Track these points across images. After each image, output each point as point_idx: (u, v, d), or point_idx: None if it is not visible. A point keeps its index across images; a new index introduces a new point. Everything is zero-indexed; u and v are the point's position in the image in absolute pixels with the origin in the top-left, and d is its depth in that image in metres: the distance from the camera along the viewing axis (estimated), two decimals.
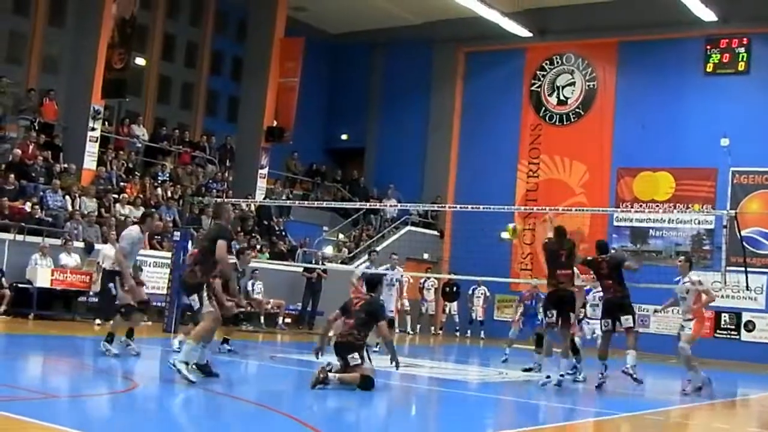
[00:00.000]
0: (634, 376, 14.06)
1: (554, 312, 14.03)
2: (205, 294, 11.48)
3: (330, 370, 11.48)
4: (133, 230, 14.28)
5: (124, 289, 13.61)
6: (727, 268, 17.46)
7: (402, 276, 20.94)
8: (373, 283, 12.54)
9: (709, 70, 28.64)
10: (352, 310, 11.98)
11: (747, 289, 17.09)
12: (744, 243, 19.47)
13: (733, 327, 27.33)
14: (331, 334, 12.58)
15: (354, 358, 11.60)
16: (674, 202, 28.62)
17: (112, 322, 14.14)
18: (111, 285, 14.05)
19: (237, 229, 23.97)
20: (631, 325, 14.22)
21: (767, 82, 27.77)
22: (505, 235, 19.50)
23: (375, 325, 11.98)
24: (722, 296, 25.92)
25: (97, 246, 21.71)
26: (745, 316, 27.10)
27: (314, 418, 9.98)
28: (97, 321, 20.01)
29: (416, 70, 33.86)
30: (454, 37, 32.69)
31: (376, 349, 14.59)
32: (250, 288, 24.63)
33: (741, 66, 28.24)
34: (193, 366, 11.30)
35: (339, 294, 17.02)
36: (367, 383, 11.49)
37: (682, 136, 28.63)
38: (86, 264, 21.11)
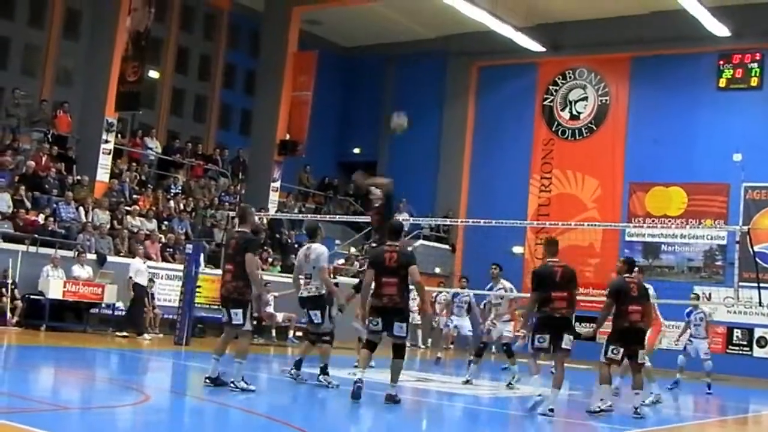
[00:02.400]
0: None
1: (547, 337, 12.19)
2: (249, 311, 11.74)
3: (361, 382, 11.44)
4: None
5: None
6: (740, 283, 17.52)
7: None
8: (397, 230, 12.06)
9: (721, 85, 28.64)
10: (387, 266, 11.52)
11: (760, 305, 17.02)
12: (757, 259, 19.40)
13: (745, 343, 27.23)
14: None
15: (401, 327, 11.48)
16: (686, 217, 28.58)
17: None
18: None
19: (262, 234, 23.80)
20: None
21: None
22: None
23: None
24: (735, 312, 26.00)
25: (109, 258, 21.82)
26: (758, 332, 27.02)
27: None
28: (124, 333, 20.25)
29: (429, 84, 33.90)
30: (467, 51, 32.75)
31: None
32: None
33: (754, 81, 28.22)
34: (207, 380, 11.58)
35: (350, 306, 16.97)
36: (402, 350, 11.74)
37: (694, 152, 28.60)
38: (98, 276, 21.17)
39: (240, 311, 11.64)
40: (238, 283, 11.64)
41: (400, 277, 11.49)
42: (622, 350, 12.56)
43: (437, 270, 31.26)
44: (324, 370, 13.31)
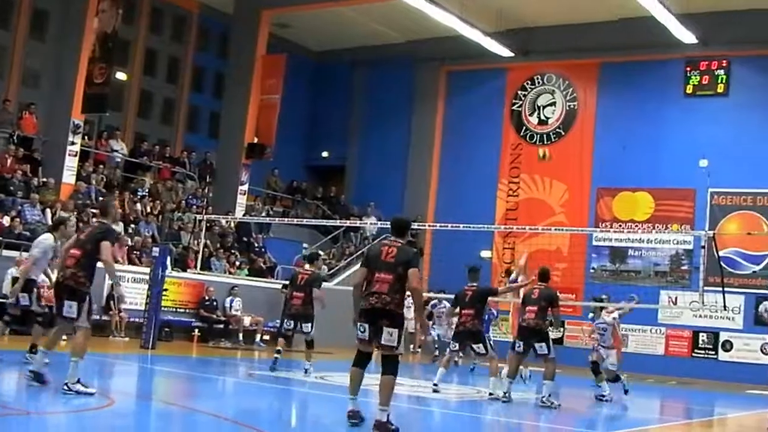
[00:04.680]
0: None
1: (521, 343, 14.78)
2: (85, 305, 10.70)
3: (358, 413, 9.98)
4: (47, 238, 13.96)
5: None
6: (705, 288, 17.60)
7: None
8: (403, 227, 10.57)
9: (689, 91, 28.80)
10: (383, 260, 9.99)
11: (724, 309, 17.18)
12: (721, 263, 19.59)
13: (710, 347, 27.40)
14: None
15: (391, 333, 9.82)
16: (653, 222, 28.74)
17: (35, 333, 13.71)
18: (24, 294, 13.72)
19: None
20: (546, 352, 14.57)
21: (746, 104, 27.95)
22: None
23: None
24: (700, 316, 26.18)
25: None
26: (723, 336, 27.17)
27: None
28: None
29: (398, 89, 33.89)
30: (437, 56, 32.76)
31: None
32: (228, 305, 24.62)
33: (720, 88, 28.41)
34: (30, 373, 10.85)
35: (318, 312, 16.96)
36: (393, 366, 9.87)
37: (661, 157, 28.76)
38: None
39: (75, 303, 10.59)
40: (78, 272, 10.72)
41: (396, 276, 9.82)
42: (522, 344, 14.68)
43: None
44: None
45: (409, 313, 28.92)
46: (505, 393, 14.21)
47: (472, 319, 15.05)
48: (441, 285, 23.94)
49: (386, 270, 9.86)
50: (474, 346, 15.17)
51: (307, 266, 17.49)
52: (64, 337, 17.11)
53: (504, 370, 14.83)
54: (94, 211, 23.46)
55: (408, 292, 10.02)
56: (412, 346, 29.55)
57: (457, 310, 15.42)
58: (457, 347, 15.71)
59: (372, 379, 10.17)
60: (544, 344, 14.51)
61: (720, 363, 26.96)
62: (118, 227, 23.72)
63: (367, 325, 9.88)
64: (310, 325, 16.59)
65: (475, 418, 13.36)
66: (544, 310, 14.56)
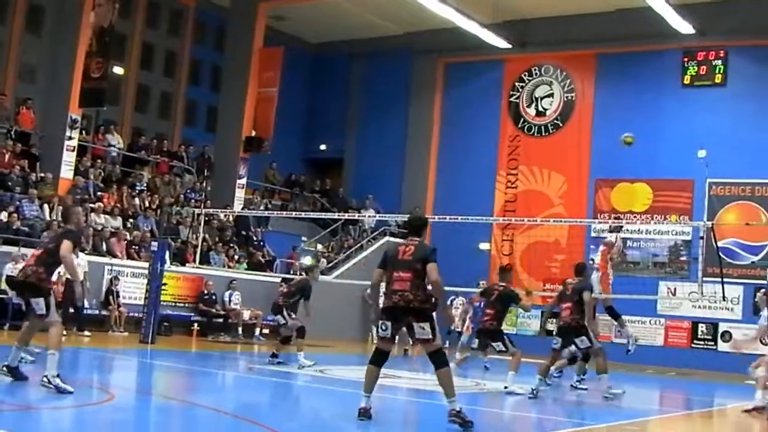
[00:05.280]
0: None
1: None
2: (51, 299, 10.76)
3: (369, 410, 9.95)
4: None
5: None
6: (704, 278, 17.60)
7: None
8: (419, 225, 10.65)
9: (686, 82, 28.81)
10: (400, 259, 10.05)
11: (723, 300, 17.20)
12: (720, 254, 19.57)
13: (710, 337, 27.44)
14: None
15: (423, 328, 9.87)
16: (652, 213, 28.74)
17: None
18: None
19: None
20: (589, 345, 14.45)
21: (744, 94, 27.96)
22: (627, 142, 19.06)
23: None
24: (699, 306, 26.21)
25: (73, 256, 21.53)
26: (722, 327, 27.21)
27: (293, 431, 9.94)
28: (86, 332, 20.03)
29: (396, 81, 33.87)
30: (434, 47, 32.73)
31: None
32: (227, 298, 24.62)
33: (718, 78, 28.41)
34: (4, 368, 10.83)
35: (318, 305, 16.98)
36: (441, 357, 9.94)
37: (659, 148, 28.73)
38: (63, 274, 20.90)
39: (41, 300, 10.69)
40: (39, 269, 10.81)
41: (415, 272, 9.88)
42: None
43: None
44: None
45: None
46: (533, 389, 13.92)
47: (491, 319, 15.02)
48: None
49: (405, 268, 9.94)
50: (493, 344, 15.07)
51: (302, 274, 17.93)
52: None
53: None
54: (92, 206, 23.50)
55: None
56: (410, 338, 29.47)
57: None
58: (476, 345, 15.70)
59: (386, 377, 10.15)
60: (584, 338, 14.31)
61: (719, 354, 26.96)
62: (117, 222, 23.83)
63: (389, 323, 10.00)
64: (281, 317, 17.18)
65: (471, 410, 13.36)
66: (579, 305, 14.31)
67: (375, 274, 10.38)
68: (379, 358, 10.18)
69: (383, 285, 10.22)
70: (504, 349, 14.96)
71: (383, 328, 10.03)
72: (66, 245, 10.71)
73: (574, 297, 14.40)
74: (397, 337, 10.25)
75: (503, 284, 15.37)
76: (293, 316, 17.02)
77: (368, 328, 22.49)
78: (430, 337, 9.83)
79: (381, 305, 10.23)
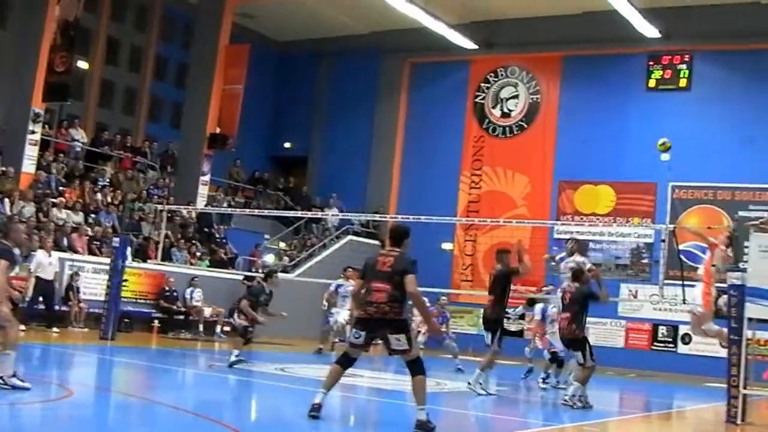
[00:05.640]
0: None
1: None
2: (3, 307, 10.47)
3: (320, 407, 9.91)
4: None
5: None
6: (665, 281, 17.72)
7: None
8: (400, 235, 10.37)
9: (651, 85, 29.04)
10: (378, 270, 9.96)
11: (684, 303, 17.29)
12: (681, 257, 19.69)
13: (670, 340, 27.64)
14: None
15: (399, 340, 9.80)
16: (614, 215, 28.93)
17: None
18: None
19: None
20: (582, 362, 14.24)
21: (708, 98, 28.21)
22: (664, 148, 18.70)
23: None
24: (660, 309, 26.40)
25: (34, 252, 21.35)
26: (682, 329, 27.38)
27: (254, 429, 9.91)
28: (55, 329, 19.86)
29: (362, 80, 33.85)
30: (401, 47, 32.75)
31: None
32: (188, 296, 24.49)
33: (682, 82, 28.65)
34: None
35: (280, 303, 16.95)
36: (418, 366, 9.86)
37: (623, 151, 28.93)
38: (22, 269, 20.68)
39: None
40: None
41: (393, 284, 9.78)
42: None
43: None
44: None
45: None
46: (571, 397, 13.71)
47: (492, 305, 14.54)
48: None
49: (383, 279, 9.85)
50: (485, 333, 14.63)
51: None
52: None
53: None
54: (54, 201, 23.30)
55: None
56: None
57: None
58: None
59: (386, 380, 10.14)
60: (580, 354, 13.86)
61: (679, 356, 27.19)
62: (78, 217, 23.63)
63: (363, 333, 9.97)
64: (236, 316, 16.95)
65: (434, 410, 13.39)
66: (579, 314, 13.84)
67: (356, 284, 10.46)
68: (345, 361, 10.18)
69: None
70: (488, 343, 14.46)
71: (356, 336, 10.02)
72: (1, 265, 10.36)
73: (574, 307, 13.89)
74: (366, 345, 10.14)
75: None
76: (242, 317, 16.55)
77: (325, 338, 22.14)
78: (407, 347, 9.80)
79: (356, 315, 10.21)
